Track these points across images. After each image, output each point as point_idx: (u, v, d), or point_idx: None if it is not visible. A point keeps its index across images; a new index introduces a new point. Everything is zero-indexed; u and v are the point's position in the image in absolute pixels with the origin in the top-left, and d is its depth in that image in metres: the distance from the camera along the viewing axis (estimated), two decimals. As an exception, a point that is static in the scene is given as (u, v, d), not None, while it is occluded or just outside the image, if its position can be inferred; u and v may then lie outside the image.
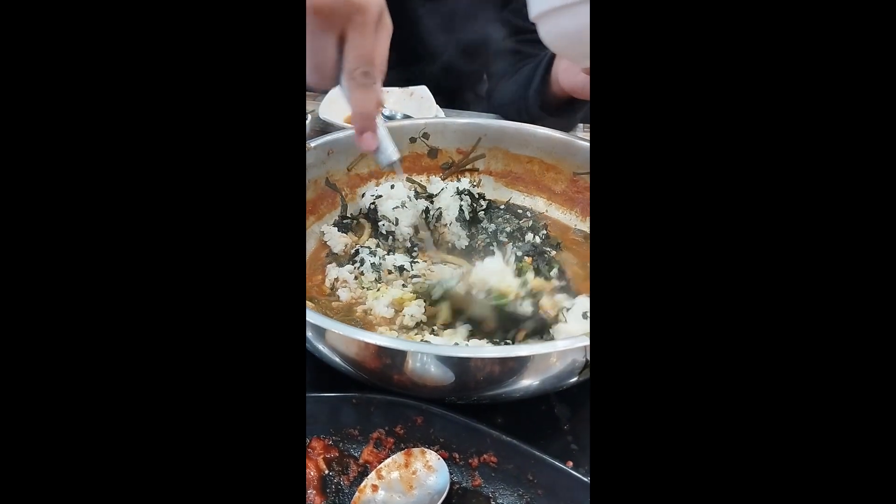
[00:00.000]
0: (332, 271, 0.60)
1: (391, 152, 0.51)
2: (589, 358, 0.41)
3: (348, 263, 0.61)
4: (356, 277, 0.59)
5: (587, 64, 0.48)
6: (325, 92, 0.97)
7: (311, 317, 0.41)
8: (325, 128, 0.88)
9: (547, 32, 0.54)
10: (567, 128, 0.70)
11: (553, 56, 0.79)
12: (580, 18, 0.43)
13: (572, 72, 0.71)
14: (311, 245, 0.65)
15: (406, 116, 0.91)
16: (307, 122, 0.87)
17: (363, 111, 0.48)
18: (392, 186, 0.68)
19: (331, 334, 0.41)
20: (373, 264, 0.60)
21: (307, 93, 1.10)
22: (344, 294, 0.58)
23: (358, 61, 0.46)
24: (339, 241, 0.64)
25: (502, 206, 0.72)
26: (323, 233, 0.66)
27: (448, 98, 1.05)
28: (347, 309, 0.57)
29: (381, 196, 0.67)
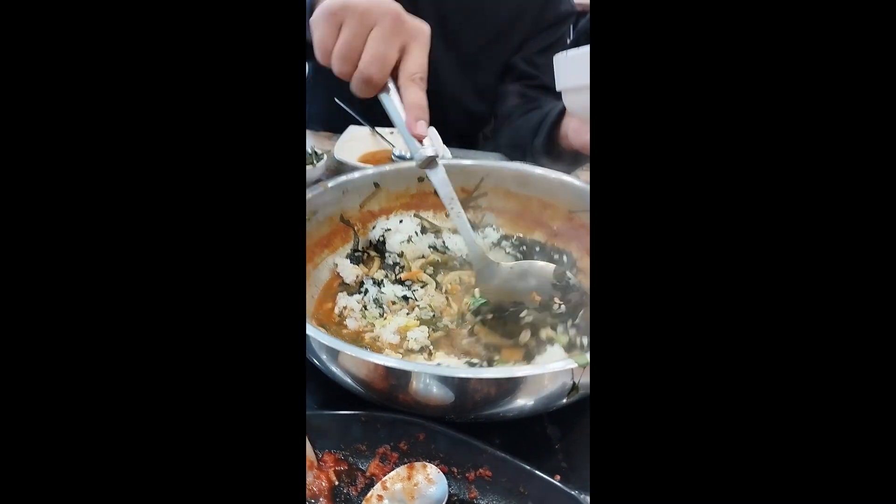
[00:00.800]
0: (342, 300, 0.65)
1: (438, 146, 0.60)
2: (576, 381, 0.45)
3: (357, 293, 0.66)
4: (363, 308, 0.64)
5: None
6: (340, 133, 1.04)
7: (326, 339, 0.46)
8: (340, 167, 0.95)
9: (572, 102, 0.63)
10: (567, 171, 0.76)
11: (563, 111, 0.86)
12: None
13: (582, 132, 0.77)
14: (325, 275, 0.70)
15: (415, 156, 0.98)
16: (323, 161, 0.94)
17: (422, 104, 0.58)
18: (401, 221, 0.74)
19: (343, 356, 0.46)
20: (375, 299, 0.64)
21: (323, 133, 1.18)
22: (352, 323, 0.63)
23: (419, 68, 0.57)
24: (350, 272, 0.69)
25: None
26: (336, 264, 0.71)
27: (457, 137, 1.11)
28: (356, 336, 0.62)
29: (389, 230, 0.73)
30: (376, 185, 0.75)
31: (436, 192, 0.61)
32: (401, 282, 0.68)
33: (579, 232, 0.73)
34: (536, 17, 1.13)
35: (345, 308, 0.64)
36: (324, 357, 0.48)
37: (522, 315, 0.60)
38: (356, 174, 0.73)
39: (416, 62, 0.57)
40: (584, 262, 0.71)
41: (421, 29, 0.57)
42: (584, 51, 0.61)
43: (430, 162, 0.59)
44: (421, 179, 0.76)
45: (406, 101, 0.57)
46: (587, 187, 0.71)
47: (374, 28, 0.55)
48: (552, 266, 0.64)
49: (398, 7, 0.56)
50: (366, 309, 0.64)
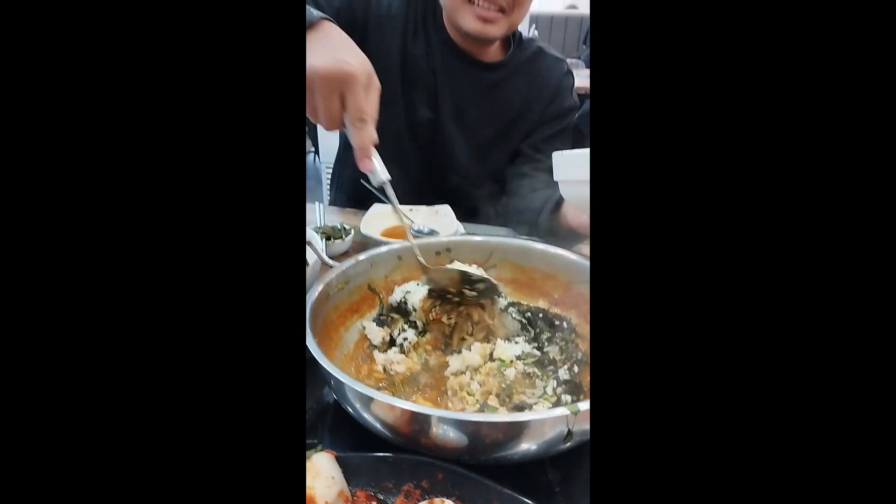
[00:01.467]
0: (380, 357, 0.75)
1: (382, 174, 0.72)
2: (570, 427, 0.54)
3: (388, 350, 0.76)
4: (401, 351, 0.75)
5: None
6: (363, 209, 1.17)
7: (358, 386, 0.55)
8: (365, 240, 1.07)
9: (567, 193, 0.77)
10: (566, 247, 0.87)
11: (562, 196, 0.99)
12: None
13: (578, 216, 0.89)
14: (353, 337, 0.80)
15: (432, 231, 1.10)
16: (351, 235, 1.06)
17: (362, 144, 0.70)
18: (418, 284, 0.84)
19: (373, 403, 0.55)
20: (405, 338, 0.76)
21: (349, 209, 1.31)
22: (400, 367, 0.73)
23: (355, 112, 0.68)
24: (377, 334, 0.79)
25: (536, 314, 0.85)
26: (364, 327, 0.81)
27: (472, 212, 1.24)
28: (411, 377, 0.71)
29: (409, 292, 0.83)
30: (399, 257, 0.86)
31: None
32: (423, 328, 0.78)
33: (577, 300, 0.82)
34: (543, 111, 1.29)
35: (388, 362, 0.74)
36: (357, 405, 0.57)
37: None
38: (383, 249, 0.85)
39: (353, 107, 0.68)
40: (583, 328, 0.80)
41: (351, 76, 0.67)
42: (578, 152, 0.74)
43: (382, 186, 0.74)
44: (438, 254, 0.88)
45: (354, 143, 0.70)
46: (584, 261, 0.81)
47: (315, 89, 0.67)
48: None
49: (330, 64, 0.67)
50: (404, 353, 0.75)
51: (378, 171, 0.72)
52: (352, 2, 1.15)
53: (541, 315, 0.83)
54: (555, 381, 0.69)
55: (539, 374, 0.71)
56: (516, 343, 0.76)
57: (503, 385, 0.69)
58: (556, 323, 0.81)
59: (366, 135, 0.69)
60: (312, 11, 0.75)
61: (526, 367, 0.72)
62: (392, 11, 1.18)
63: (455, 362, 0.73)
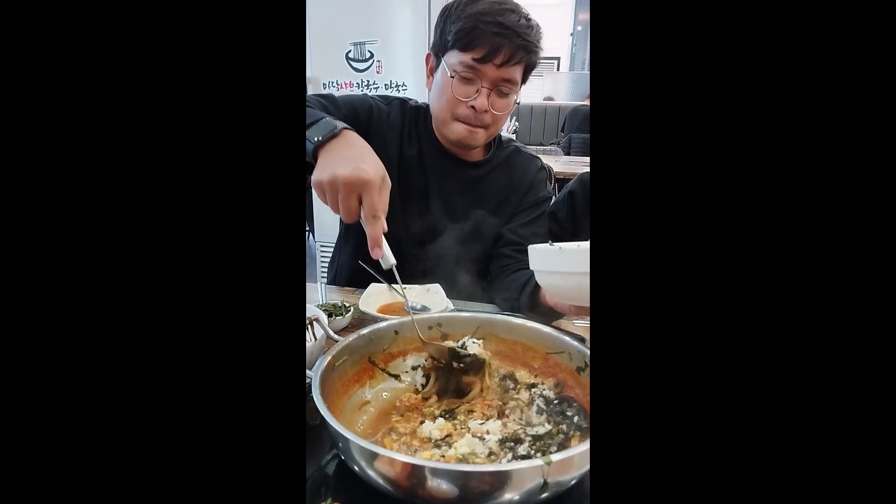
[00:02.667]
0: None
1: (390, 259, 0.88)
2: (546, 479, 0.62)
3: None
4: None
5: (567, 304, 0.83)
6: (361, 288, 1.29)
7: (361, 442, 0.63)
8: (363, 317, 1.18)
9: (539, 279, 0.91)
10: (546, 323, 0.98)
11: None
12: (565, 281, 0.78)
13: (554, 296, 1.02)
14: (355, 404, 0.89)
15: (424, 307, 1.21)
16: (350, 312, 1.17)
17: (375, 236, 0.85)
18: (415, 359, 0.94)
19: (354, 446, 0.64)
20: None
21: (347, 288, 1.43)
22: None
23: (369, 211, 0.84)
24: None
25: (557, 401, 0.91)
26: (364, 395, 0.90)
27: (460, 290, 1.36)
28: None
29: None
30: (396, 332, 0.97)
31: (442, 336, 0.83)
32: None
33: (554, 370, 0.93)
34: (520, 201, 1.46)
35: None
36: (363, 463, 0.66)
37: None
38: (382, 324, 0.95)
39: (368, 206, 0.84)
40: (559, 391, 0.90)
41: (367, 182, 0.84)
42: (546, 247, 0.89)
43: (391, 269, 0.88)
44: (430, 328, 0.98)
45: (368, 235, 0.85)
46: (559, 334, 0.92)
47: (338, 191, 0.84)
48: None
49: (351, 173, 0.84)
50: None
51: (387, 256, 0.88)
52: (357, 111, 1.34)
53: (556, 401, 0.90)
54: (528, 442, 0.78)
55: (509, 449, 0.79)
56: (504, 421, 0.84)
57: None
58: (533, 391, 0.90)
59: (378, 228, 0.85)
60: (336, 122, 0.91)
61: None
62: (391, 119, 1.40)
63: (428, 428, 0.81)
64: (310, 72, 3.05)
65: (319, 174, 0.86)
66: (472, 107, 1.24)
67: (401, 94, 2.88)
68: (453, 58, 1.24)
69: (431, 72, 1.34)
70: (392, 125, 1.39)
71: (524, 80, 1.30)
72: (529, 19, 1.20)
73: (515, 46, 1.16)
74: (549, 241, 0.99)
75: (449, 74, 1.24)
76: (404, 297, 1.26)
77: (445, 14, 1.25)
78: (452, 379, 0.89)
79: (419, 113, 1.44)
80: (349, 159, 0.86)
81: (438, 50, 1.30)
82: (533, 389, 0.90)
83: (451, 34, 1.22)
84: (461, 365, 0.89)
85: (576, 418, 0.81)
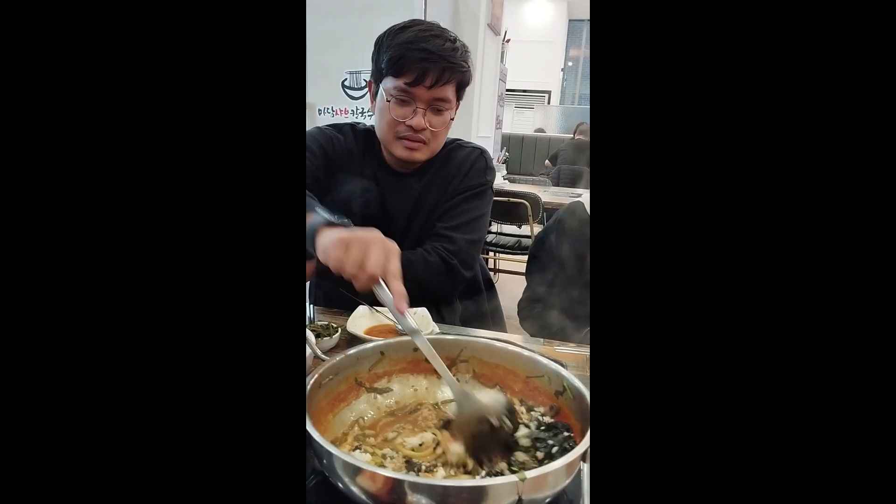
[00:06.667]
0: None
1: (429, 323, 0.98)
2: (521, 495, 0.65)
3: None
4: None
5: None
6: (348, 310, 1.32)
7: (344, 456, 0.66)
8: (351, 338, 1.20)
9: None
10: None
11: None
12: None
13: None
14: (342, 422, 0.91)
15: (415, 331, 1.24)
16: (338, 333, 1.19)
17: (402, 291, 0.89)
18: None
19: (338, 461, 0.66)
20: None
21: (335, 309, 1.46)
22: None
23: (396, 270, 0.90)
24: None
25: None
26: (352, 413, 0.92)
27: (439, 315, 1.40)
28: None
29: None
30: (382, 353, 1.00)
31: (426, 359, 0.86)
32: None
33: (534, 393, 0.96)
34: (456, 188, 1.54)
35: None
36: (346, 479, 0.68)
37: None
38: (368, 345, 0.98)
39: (394, 265, 0.90)
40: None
41: (394, 247, 0.93)
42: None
43: (414, 331, 0.88)
44: (416, 350, 1.02)
45: (394, 291, 0.89)
46: (540, 358, 0.96)
47: (370, 248, 0.89)
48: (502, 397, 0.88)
49: (380, 236, 0.93)
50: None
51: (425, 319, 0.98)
52: (325, 149, 1.51)
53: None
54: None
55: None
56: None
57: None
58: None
59: (402, 285, 0.90)
60: (335, 219, 1.02)
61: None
62: (346, 144, 1.55)
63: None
64: (307, 98, 3.13)
65: (336, 239, 0.93)
66: (411, 126, 1.37)
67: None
68: (389, 83, 1.33)
69: (374, 97, 1.48)
70: (349, 150, 1.54)
71: (459, 97, 1.43)
72: (455, 41, 1.33)
73: (441, 69, 1.29)
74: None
75: (386, 99, 1.35)
76: (395, 319, 1.29)
77: (378, 44, 1.39)
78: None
79: (368, 135, 1.57)
80: (343, 234, 0.94)
81: (376, 77, 1.40)
82: (531, 412, 0.94)
83: (384, 63, 1.31)
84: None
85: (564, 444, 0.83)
